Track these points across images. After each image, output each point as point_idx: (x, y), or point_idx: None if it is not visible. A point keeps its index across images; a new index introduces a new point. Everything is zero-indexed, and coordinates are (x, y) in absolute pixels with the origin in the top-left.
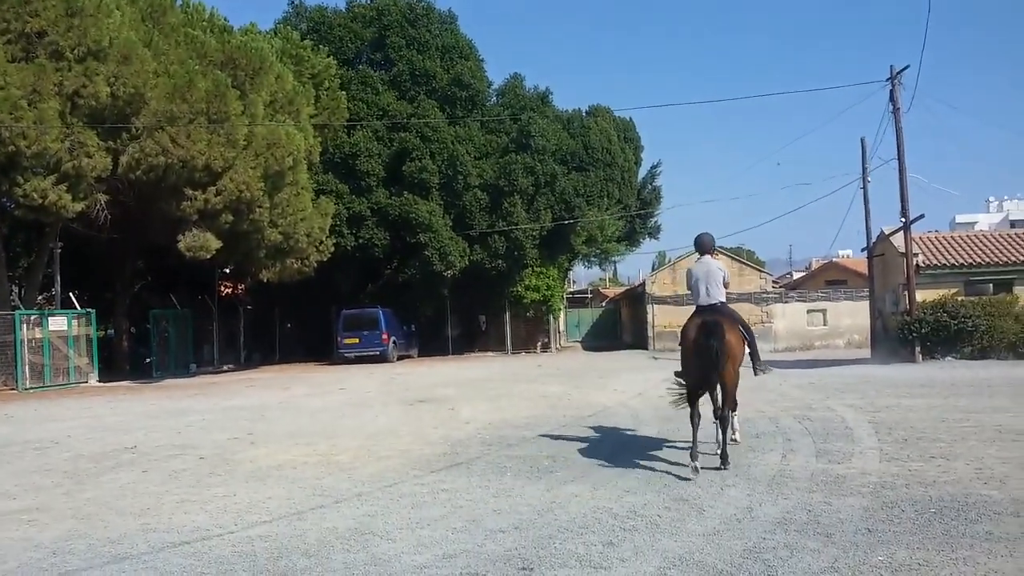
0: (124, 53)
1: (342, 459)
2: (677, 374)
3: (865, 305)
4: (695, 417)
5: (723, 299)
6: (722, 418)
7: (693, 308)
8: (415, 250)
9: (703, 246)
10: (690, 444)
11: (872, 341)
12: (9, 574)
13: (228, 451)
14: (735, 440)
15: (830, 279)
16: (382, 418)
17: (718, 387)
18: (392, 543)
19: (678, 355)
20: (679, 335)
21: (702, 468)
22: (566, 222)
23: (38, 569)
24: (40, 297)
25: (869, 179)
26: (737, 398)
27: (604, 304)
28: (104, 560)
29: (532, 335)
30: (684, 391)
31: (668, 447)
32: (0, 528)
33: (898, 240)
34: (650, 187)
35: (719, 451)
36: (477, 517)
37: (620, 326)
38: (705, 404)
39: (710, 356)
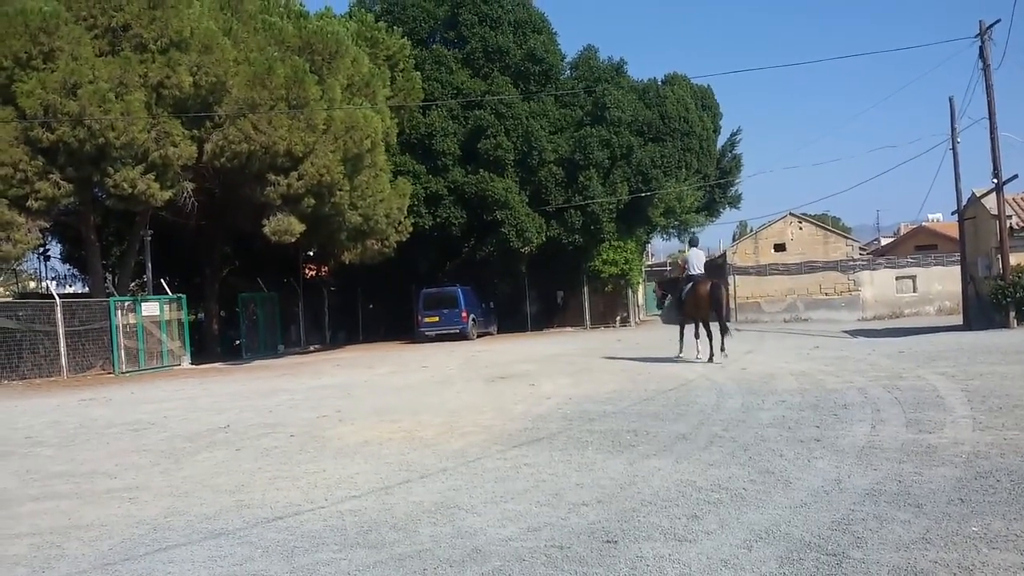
0: (205, 43)
1: (426, 435)
2: (678, 318)
3: (956, 271)
4: (686, 335)
5: (703, 271)
6: (724, 328)
7: (691, 276)
8: (492, 227)
9: (695, 242)
10: (680, 353)
11: (964, 307)
12: (115, 548)
13: (317, 429)
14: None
15: (920, 244)
16: (464, 395)
17: (707, 318)
18: (477, 516)
19: (762, 327)
20: (685, 291)
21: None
22: (643, 194)
23: (141, 544)
24: (133, 284)
25: (959, 140)
26: (811, 365)
27: (684, 276)
28: (202, 536)
29: (611, 309)
30: (684, 321)
31: (753, 419)
32: (104, 505)
33: (990, 202)
34: (730, 155)
35: (722, 348)
36: (560, 491)
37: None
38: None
39: (718, 300)
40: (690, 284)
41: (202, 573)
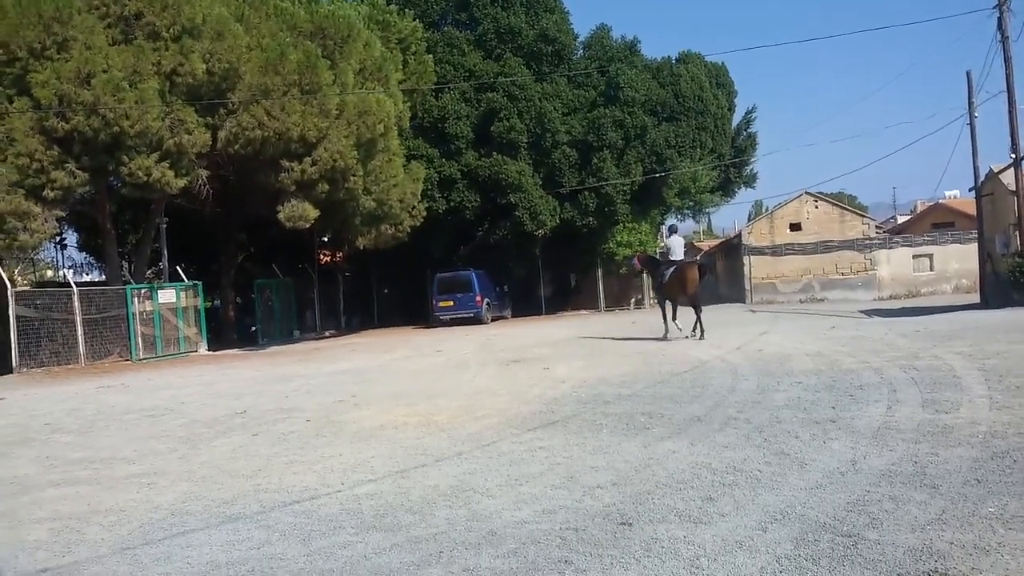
0: (217, 29)
1: (442, 419)
2: (660, 299)
3: (974, 248)
4: (674, 317)
5: (683, 257)
6: (698, 310)
7: (673, 261)
8: (506, 211)
9: (675, 231)
10: (666, 334)
11: (982, 286)
12: (133, 533)
13: (333, 413)
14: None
15: (936, 222)
16: (479, 378)
17: (692, 299)
18: (492, 499)
19: (778, 307)
20: (671, 274)
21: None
22: (657, 175)
23: (159, 529)
24: (149, 271)
25: (976, 115)
26: (827, 345)
27: (698, 257)
28: (219, 520)
29: (625, 292)
30: (669, 304)
31: (768, 401)
32: (122, 491)
33: (1008, 178)
34: (745, 134)
35: (700, 329)
36: (575, 474)
37: (715, 279)
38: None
39: (699, 282)
40: (673, 267)
41: (220, 557)
